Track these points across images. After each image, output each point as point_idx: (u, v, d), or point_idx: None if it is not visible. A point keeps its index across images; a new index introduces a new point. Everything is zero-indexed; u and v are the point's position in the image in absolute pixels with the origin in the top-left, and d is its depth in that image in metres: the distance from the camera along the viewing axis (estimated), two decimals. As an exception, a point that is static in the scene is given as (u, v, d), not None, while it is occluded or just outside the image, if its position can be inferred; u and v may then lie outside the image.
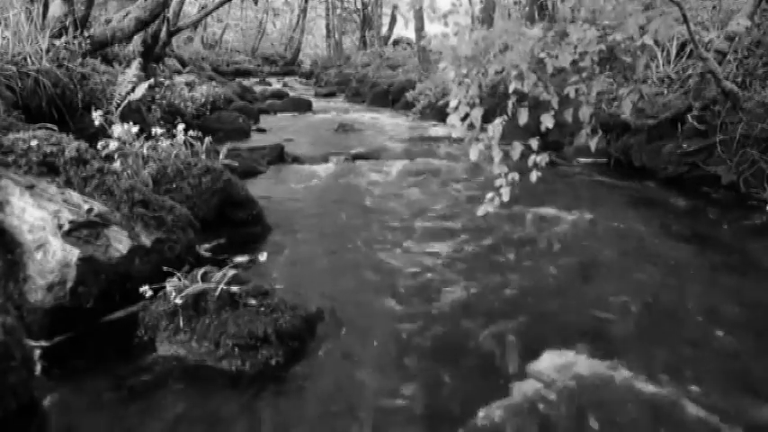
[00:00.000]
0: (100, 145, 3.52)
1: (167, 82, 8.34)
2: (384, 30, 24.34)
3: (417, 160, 6.96)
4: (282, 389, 2.31)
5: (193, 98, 8.39)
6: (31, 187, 2.80)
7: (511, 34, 2.40)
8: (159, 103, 7.04)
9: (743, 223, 4.43)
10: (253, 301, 2.59)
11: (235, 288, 2.60)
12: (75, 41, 5.33)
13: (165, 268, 2.72)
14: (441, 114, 9.15)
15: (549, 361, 2.45)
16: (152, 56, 9.04)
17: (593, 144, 2.54)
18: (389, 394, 2.26)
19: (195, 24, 15.82)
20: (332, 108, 12.58)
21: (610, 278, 3.42)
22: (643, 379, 2.33)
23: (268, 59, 27.62)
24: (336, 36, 24.55)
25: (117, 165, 3.49)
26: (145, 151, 3.92)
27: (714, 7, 6.86)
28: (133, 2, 7.42)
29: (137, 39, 8.17)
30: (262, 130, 8.94)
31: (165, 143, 4.08)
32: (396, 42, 24.72)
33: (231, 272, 2.68)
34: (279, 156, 6.68)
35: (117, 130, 3.80)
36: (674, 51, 6.53)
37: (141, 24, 7.10)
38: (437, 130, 9.25)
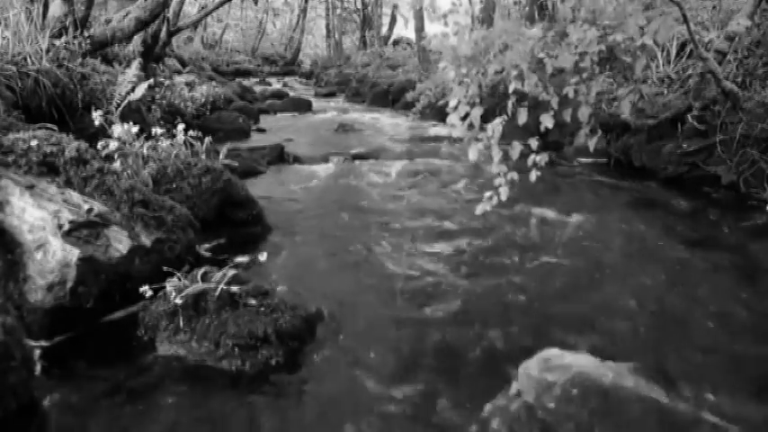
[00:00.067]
0: (100, 145, 3.53)
1: (167, 82, 8.35)
2: (384, 30, 24.34)
3: (417, 160, 6.96)
4: (282, 389, 2.31)
5: (193, 98, 8.39)
6: (31, 187, 2.81)
7: (510, 34, 2.40)
8: (159, 103, 7.04)
9: (743, 223, 4.43)
10: (253, 301, 2.59)
11: (235, 288, 2.60)
12: (75, 41, 5.33)
13: (165, 268, 2.72)
14: (441, 114, 9.12)
15: (549, 363, 2.45)
16: (152, 56, 9.04)
17: (592, 144, 2.54)
18: (389, 395, 2.26)
19: (195, 24, 15.82)
20: (332, 108, 12.57)
21: (610, 279, 3.42)
22: (644, 380, 2.33)
23: (268, 59, 27.62)
24: (336, 36, 24.55)
25: (117, 165, 3.49)
26: (145, 151, 3.92)
27: (714, 7, 6.86)
28: (133, 2, 7.42)
29: (137, 39, 8.17)
30: (262, 130, 8.94)
31: (165, 143, 4.08)
32: (396, 42, 24.72)
33: (231, 272, 2.68)
34: (279, 156, 6.68)
35: (117, 130, 3.81)
36: (674, 51, 6.53)
37: (141, 24, 7.10)
38: (437, 130, 9.24)
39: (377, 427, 2.09)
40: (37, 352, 2.42)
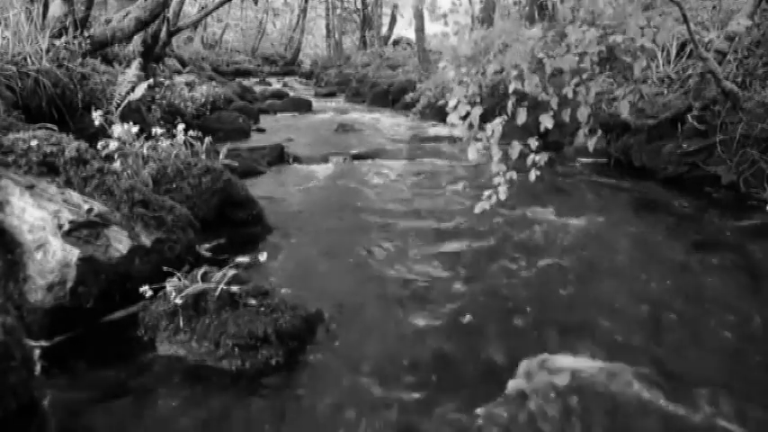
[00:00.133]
0: (100, 145, 3.53)
1: (167, 82, 8.34)
2: (384, 30, 24.34)
3: (417, 160, 6.97)
4: (282, 389, 2.31)
5: (193, 98, 8.39)
6: (31, 187, 2.81)
7: (510, 34, 2.40)
8: (159, 103, 7.04)
9: (743, 223, 4.43)
10: (253, 301, 2.59)
11: (235, 288, 2.60)
12: (75, 41, 5.32)
13: (165, 268, 2.72)
14: (441, 114, 9.12)
15: (549, 365, 2.45)
16: (152, 56, 9.04)
17: (591, 144, 2.54)
18: (388, 396, 2.26)
19: (195, 24, 15.81)
20: (332, 108, 12.57)
21: (610, 280, 3.42)
22: (644, 382, 2.33)
23: (268, 59, 27.61)
24: (336, 36, 24.54)
25: (117, 165, 3.49)
26: (145, 151, 3.92)
27: (714, 7, 6.86)
28: (133, 2, 7.41)
29: (137, 39, 8.16)
30: (262, 130, 8.94)
31: (165, 143, 4.08)
32: (396, 42, 24.72)
33: (231, 272, 2.68)
34: (279, 156, 6.68)
35: (117, 130, 3.80)
36: (674, 51, 6.53)
37: (141, 24, 7.10)
38: (437, 130, 9.24)
39: (376, 428, 2.09)
40: (37, 352, 2.41)
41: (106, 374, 2.37)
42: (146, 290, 2.57)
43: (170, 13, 9.74)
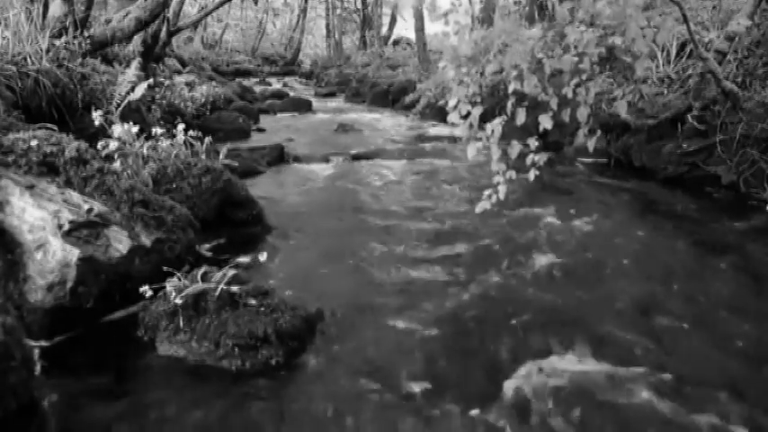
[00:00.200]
0: (100, 145, 3.53)
1: (167, 82, 8.35)
2: (384, 30, 24.35)
3: (417, 160, 6.96)
4: (282, 389, 2.31)
5: (193, 98, 8.39)
6: (31, 187, 2.81)
7: (510, 34, 2.40)
8: (159, 103, 7.04)
9: (743, 223, 4.43)
10: (253, 301, 2.59)
11: (235, 288, 2.60)
12: (75, 41, 5.32)
13: (165, 268, 2.72)
14: (441, 114, 9.14)
15: (551, 366, 2.45)
16: (152, 56, 9.04)
17: (591, 144, 2.55)
18: (388, 396, 2.26)
19: (195, 24, 15.82)
20: (332, 108, 12.58)
21: (609, 280, 3.42)
22: (644, 384, 2.33)
23: (268, 59, 27.61)
24: (336, 36, 24.55)
25: (117, 165, 3.49)
26: (145, 151, 3.92)
27: (714, 7, 6.86)
28: (133, 2, 7.41)
29: (137, 39, 8.16)
30: (262, 130, 8.94)
31: (165, 143, 4.08)
32: (396, 42, 24.73)
33: (231, 272, 2.68)
34: (279, 156, 6.68)
35: (117, 130, 3.81)
36: (674, 51, 6.53)
37: (141, 24, 7.10)
38: (437, 130, 9.24)
39: (376, 428, 2.09)
40: (37, 352, 2.42)
41: (106, 374, 2.37)
42: (146, 290, 2.57)
43: (170, 13, 9.74)
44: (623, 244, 3.99)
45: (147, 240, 3.00)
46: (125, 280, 2.79)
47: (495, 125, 2.53)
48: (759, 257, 3.76)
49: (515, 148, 2.54)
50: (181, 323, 2.50)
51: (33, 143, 2.95)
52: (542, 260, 3.64)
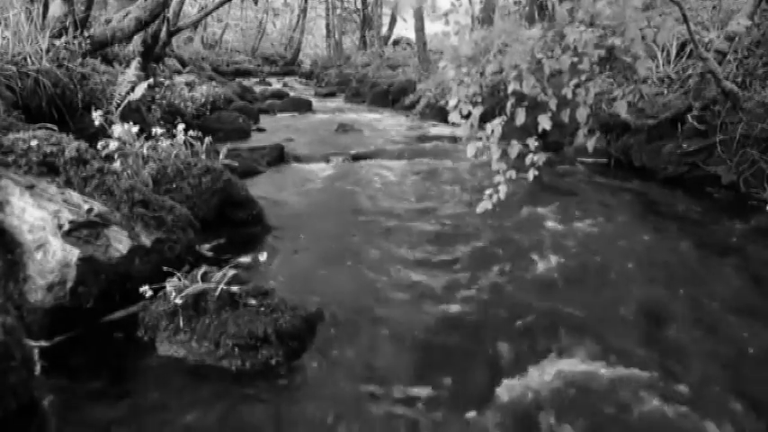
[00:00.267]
0: (100, 145, 3.53)
1: (167, 82, 8.34)
2: (384, 30, 24.33)
3: (417, 160, 6.96)
4: (282, 389, 2.31)
5: (193, 98, 8.39)
6: (31, 187, 2.81)
7: (509, 34, 2.40)
8: (159, 103, 7.04)
9: (743, 223, 4.43)
10: (253, 301, 2.60)
11: (235, 288, 2.60)
12: (75, 41, 5.32)
13: (165, 268, 2.72)
14: (441, 114, 9.15)
15: (552, 367, 2.45)
16: (152, 56, 9.04)
17: (590, 145, 2.55)
18: (388, 396, 2.26)
19: (195, 24, 15.82)
20: (332, 108, 12.57)
21: (609, 280, 3.42)
22: (644, 384, 2.33)
23: (268, 59, 27.61)
24: (336, 36, 24.54)
25: (117, 165, 3.49)
26: (145, 151, 3.92)
27: (714, 7, 6.86)
28: (133, 2, 7.41)
29: (137, 39, 8.16)
30: (262, 130, 8.94)
31: (165, 143, 4.08)
32: (396, 42, 24.72)
33: (231, 272, 2.68)
34: (279, 156, 6.68)
35: (117, 130, 3.81)
36: (674, 51, 6.53)
37: (141, 24, 7.09)
38: (437, 130, 9.24)
39: (376, 428, 2.09)
40: (37, 352, 2.42)
41: (106, 374, 2.37)
42: (146, 290, 2.57)
43: (170, 13, 9.74)
44: (624, 245, 3.99)
45: (147, 240, 3.00)
46: (125, 280, 2.79)
47: (495, 125, 2.54)
48: (760, 258, 3.76)
49: (515, 147, 2.54)
50: (181, 323, 2.50)
51: (33, 143, 2.95)
52: (543, 261, 3.64)
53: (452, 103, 2.58)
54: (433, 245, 3.93)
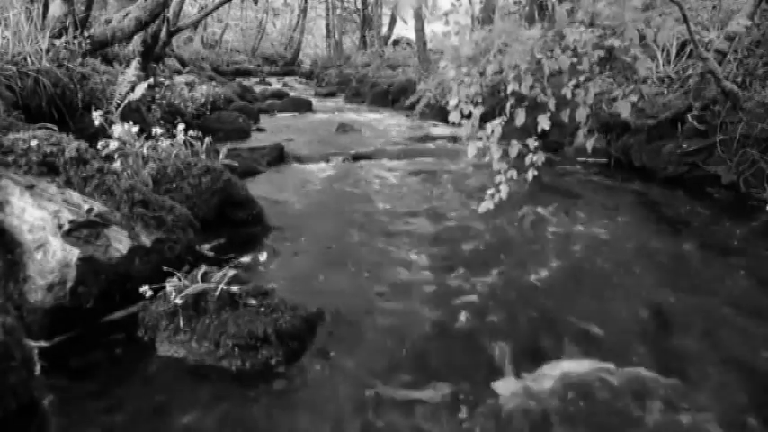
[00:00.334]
0: (100, 145, 3.53)
1: (167, 82, 8.34)
2: (384, 30, 24.33)
3: (417, 160, 6.96)
4: (282, 389, 2.31)
5: (193, 98, 8.39)
6: (31, 187, 2.81)
7: (509, 35, 2.41)
8: (159, 103, 7.04)
9: (743, 223, 4.43)
10: (253, 301, 2.59)
11: (235, 288, 2.60)
12: (75, 41, 5.32)
13: (165, 268, 2.72)
14: (441, 114, 9.15)
15: (552, 369, 2.45)
16: (152, 56, 9.04)
17: (589, 145, 2.55)
18: (388, 396, 2.26)
19: (195, 24, 15.82)
20: (332, 108, 12.57)
21: (609, 281, 3.42)
22: (643, 385, 2.33)
23: (268, 59, 27.61)
24: (336, 36, 24.54)
25: (117, 165, 3.49)
26: (145, 151, 3.92)
27: (714, 7, 6.86)
28: (133, 2, 7.41)
29: (137, 39, 8.16)
30: (262, 130, 8.94)
31: (165, 143, 4.08)
32: (396, 42, 24.72)
33: (231, 272, 2.68)
34: (279, 156, 6.68)
35: (117, 130, 3.81)
36: (674, 51, 6.53)
37: (141, 24, 7.09)
38: (437, 130, 9.24)
39: (376, 428, 2.09)
40: (37, 352, 2.41)
41: (106, 374, 2.37)
42: (146, 290, 2.57)
43: (170, 13, 9.74)
44: (624, 245, 3.99)
45: (147, 240, 3.00)
46: (125, 280, 2.79)
47: (495, 125, 2.54)
48: (761, 259, 3.76)
49: (515, 147, 2.55)
50: (181, 323, 2.50)
51: (33, 143, 2.95)
52: (543, 262, 3.64)
53: (453, 103, 2.59)
54: (434, 245, 3.93)
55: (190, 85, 9.33)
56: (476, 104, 2.56)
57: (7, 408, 1.98)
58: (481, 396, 2.24)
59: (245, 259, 3.38)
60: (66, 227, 2.68)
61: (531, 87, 2.43)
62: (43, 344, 2.52)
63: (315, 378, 2.38)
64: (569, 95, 2.43)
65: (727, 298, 3.12)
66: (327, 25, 25.79)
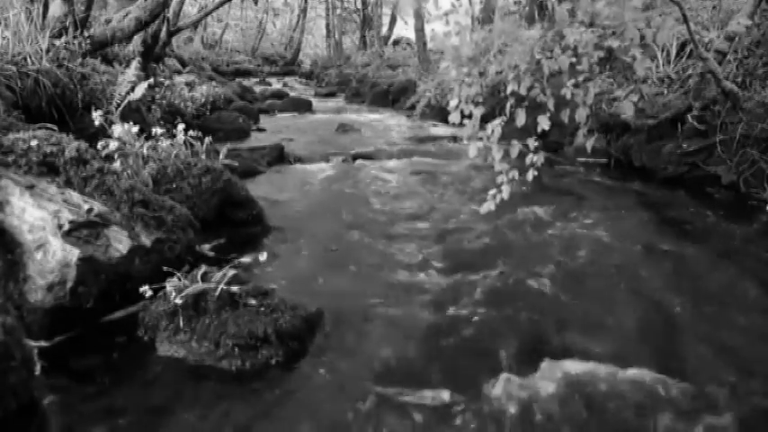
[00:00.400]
0: (100, 145, 3.53)
1: (167, 82, 8.35)
2: (384, 30, 24.34)
3: (417, 160, 6.96)
4: (282, 389, 2.31)
5: (193, 98, 8.39)
6: (31, 187, 2.81)
7: (509, 35, 2.40)
8: (159, 103, 7.04)
9: (743, 224, 4.43)
10: (253, 301, 2.60)
11: (235, 288, 2.60)
12: (75, 41, 5.33)
13: (165, 268, 2.72)
14: (441, 114, 9.15)
15: (553, 368, 2.44)
16: (152, 56, 9.04)
17: (589, 145, 2.55)
18: (388, 396, 2.26)
19: (195, 24, 15.82)
20: (332, 108, 12.58)
21: (609, 281, 3.41)
22: (643, 385, 2.33)
23: (268, 59, 27.62)
24: (336, 36, 24.55)
25: (117, 165, 3.49)
26: (145, 151, 3.92)
27: (714, 7, 6.86)
28: (133, 2, 7.42)
29: (137, 39, 8.17)
30: (262, 130, 8.94)
31: (165, 143, 4.08)
32: (396, 42, 24.73)
33: (231, 272, 2.68)
34: (279, 156, 6.68)
35: (117, 130, 3.81)
36: (674, 51, 6.53)
37: (141, 24, 7.10)
38: (437, 130, 9.25)
39: (376, 428, 2.09)
40: (37, 352, 2.41)
41: (106, 374, 2.37)
42: (146, 290, 2.57)
43: (170, 13, 9.75)
44: (624, 245, 3.98)
45: (147, 240, 3.00)
46: (125, 280, 2.79)
47: (495, 125, 2.54)
48: (761, 259, 3.75)
49: (515, 147, 2.54)
50: (181, 323, 2.50)
51: (33, 143, 2.95)
52: (543, 262, 3.63)
53: (453, 103, 2.59)
54: (434, 245, 3.93)
55: (190, 85, 9.33)
56: (476, 105, 2.55)
57: (7, 408, 1.98)
58: (482, 398, 2.24)
59: (245, 259, 3.39)
60: (67, 227, 2.68)
61: (531, 88, 2.43)
62: (43, 344, 2.52)
63: (315, 378, 2.38)
64: (569, 96, 2.43)
65: (728, 298, 3.12)
66: (327, 25, 25.80)
